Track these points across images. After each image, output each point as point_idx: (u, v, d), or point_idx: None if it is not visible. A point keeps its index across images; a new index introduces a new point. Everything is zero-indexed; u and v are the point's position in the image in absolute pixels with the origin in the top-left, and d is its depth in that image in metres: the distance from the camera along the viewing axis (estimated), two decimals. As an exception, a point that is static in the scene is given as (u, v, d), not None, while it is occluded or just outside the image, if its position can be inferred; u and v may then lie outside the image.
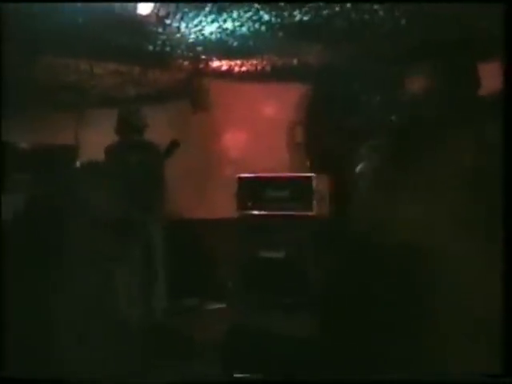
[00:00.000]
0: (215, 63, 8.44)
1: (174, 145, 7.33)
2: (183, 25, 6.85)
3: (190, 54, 7.93)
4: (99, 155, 8.06)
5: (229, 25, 6.87)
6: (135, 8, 6.29)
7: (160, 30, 6.97)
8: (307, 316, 5.25)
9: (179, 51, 7.76)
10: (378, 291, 0.90)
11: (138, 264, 6.93)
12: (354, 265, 0.86)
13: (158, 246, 7.18)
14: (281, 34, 7.12)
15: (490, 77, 7.92)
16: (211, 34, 7.13)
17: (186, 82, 8.72)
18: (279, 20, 6.72)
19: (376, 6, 6.30)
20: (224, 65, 8.51)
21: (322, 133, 8.50)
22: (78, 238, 3.20)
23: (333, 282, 0.84)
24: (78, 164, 8.02)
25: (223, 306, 7.92)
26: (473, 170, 1.40)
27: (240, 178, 8.21)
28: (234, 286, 8.02)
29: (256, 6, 6.35)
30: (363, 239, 1.11)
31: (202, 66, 8.45)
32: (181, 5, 6.33)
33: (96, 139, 8.09)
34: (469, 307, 1.01)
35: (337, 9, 6.35)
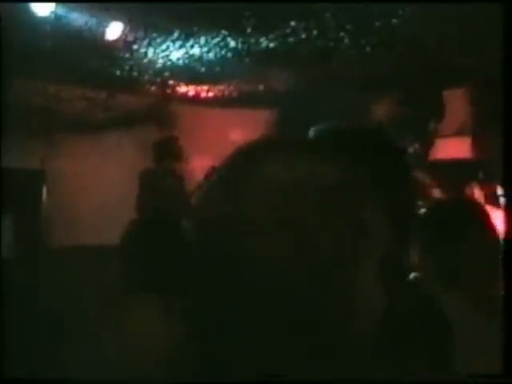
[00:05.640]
0: (182, 88, 8.48)
1: (212, 171, 7.36)
2: (151, 50, 6.89)
3: (158, 79, 7.96)
4: (66, 180, 8.03)
5: (196, 51, 6.93)
6: (103, 33, 6.31)
7: (128, 55, 7.00)
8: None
9: (147, 76, 7.79)
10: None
11: None
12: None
13: None
14: (247, 60, 7.18)
15: (456, 104, 7.99)
16: (178, 59, 7.17)
17: (154, 106, 8.74)
18: (246, 46, 6.79)
19: (341, 34, 6.39)
20: (191, 90, 8.56)
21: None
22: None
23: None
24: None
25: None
26: None
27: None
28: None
29: (223, 32, 6.41)
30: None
31: (169, 91, 8.48)
32: (149, 30, 6.38)
33: (63, 164, 8.06)
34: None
35: (303, 36, 6.43)
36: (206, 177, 7.32)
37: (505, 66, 1.52)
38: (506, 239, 1.62)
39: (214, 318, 0.88)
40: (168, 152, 7.40)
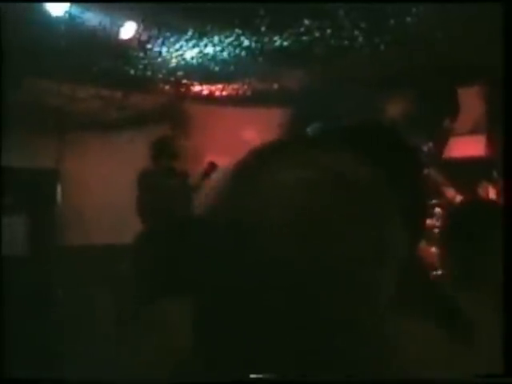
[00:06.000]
0: (196, 87, 8.49)
1: (211, 167, 7.36)
2: (164, 49, 6.91)
3: (172, 79, 7.97)
4: (79, 179, 8.05)
5: (210, 50, 6.93)
6: (117, 32, 6.33)
7: (142, 54, 7.01)
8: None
9: (160, 75, 7.80)
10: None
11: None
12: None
13: None
14: (261, 59, 7.18)
15: (471, 102, 7.97)
16: (192, 58, 7.18)
17: (167, 105, 8.74)
18: (260, 45, 6.79)
19: (356, 32, 6.38)
20: (205, 89, 8.56)
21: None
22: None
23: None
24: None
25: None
26: None
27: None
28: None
29: (237, 31, 6.42)
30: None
31: (183, 90, 8.49)
32: (162, 29, 6.39)
33: (78, 163, 8.08)
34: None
35: (317, 35, 6.43)
36: (206, 173, 7.33)
37: (506, 65, 1.51)
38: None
39: (228, 319, 0.88)
40: (166, 151, 7.33)
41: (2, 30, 4.86)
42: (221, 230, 0.91)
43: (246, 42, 6.72)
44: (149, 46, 6.80)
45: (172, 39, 6.64)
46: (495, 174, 6.53)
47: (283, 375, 0.85)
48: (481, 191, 6.55)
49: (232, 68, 7.55)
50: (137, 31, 6.37)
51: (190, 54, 7.05)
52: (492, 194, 6.44)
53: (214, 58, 7.19)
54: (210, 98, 8.83)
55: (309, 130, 5.74)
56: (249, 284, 0.85)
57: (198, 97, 8.75)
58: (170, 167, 7.24)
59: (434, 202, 6.17)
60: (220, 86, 8.48)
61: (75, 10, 5.87)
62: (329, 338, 0.85)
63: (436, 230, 4.29)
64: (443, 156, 7.51)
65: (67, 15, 5.86)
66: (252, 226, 0.87)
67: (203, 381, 0.89)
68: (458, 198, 6.30)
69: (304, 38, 6.53)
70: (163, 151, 7.24)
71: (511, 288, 1.09)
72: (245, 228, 0.87)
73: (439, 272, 2.47)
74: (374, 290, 0.87)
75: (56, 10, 5.78)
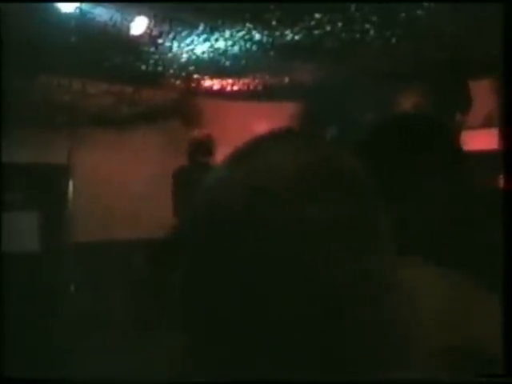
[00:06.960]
0: (207, 82, 8.49)
1: None
2: (175, 44, 6.90)
3: (183, 74, 7.97)
4: (91, 175, 8.06)
5: (221, 44, 6.93)
6: (128, 28, 6.33)
7: (153, 49, 7.01)
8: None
9: (172, 70, 7.80)
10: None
11: None
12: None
13: None
14: (272, 53, 7.17)
15: (481, 95, 7.95)
16: (203, 53, 7.18)
17: (179, 101, 8.75)
18: (271, 39, 6.78)
19: (367, 26, 6.36)
20: (216, 84, 8.56)
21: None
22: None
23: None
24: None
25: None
26: None
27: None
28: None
29: (248, 25, 6.41)
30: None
31: (194, 85, 8.49)
32: (173, 24, 6.39)
33: (89, 158, 8.10)
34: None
35: (328, 28, 6.41)
36: None
37: (505, 64, 1.50)
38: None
39: (231, 317, 0.87)
40: (202, 148, 7.36)
41: (7, 29, 4.87)
42: (215, 218, 0.90)
43: (257, 37, 6.71)
44: (160, 41, 6.79)
45: (183, 34, 6.63)
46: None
47: (284, 375, 0.84)
48: (493, 185, 6.53)
49: (243, 62, 7.54)
50: (148, 26, 6.37)
51: (201, 48, 7.04)
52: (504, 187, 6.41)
53: (225, 52, 7.18)
54: (221, 93, 8.82)
55: (333, 128, 5.74)
56: (243, 279, 0.85)
57: (209, 91, 8.75)
58: (205, 163, 7.28)
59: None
60: (231, 81, 8.47)
61: (86, 5, 5.88)
62: (332, 336, 0.84)
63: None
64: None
65: (78, 11, 5.87)
66: (246, 211, 0.86)
67: (204, 381, 0.89)
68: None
69: (315, 31, 6.51)
70: (199, 149, 7.29)
71: (511, 288, 1.08)
72: (239, 215, 0.86)
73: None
74: (374, 279, 0.86)
75: (67, 6, 5.78)
